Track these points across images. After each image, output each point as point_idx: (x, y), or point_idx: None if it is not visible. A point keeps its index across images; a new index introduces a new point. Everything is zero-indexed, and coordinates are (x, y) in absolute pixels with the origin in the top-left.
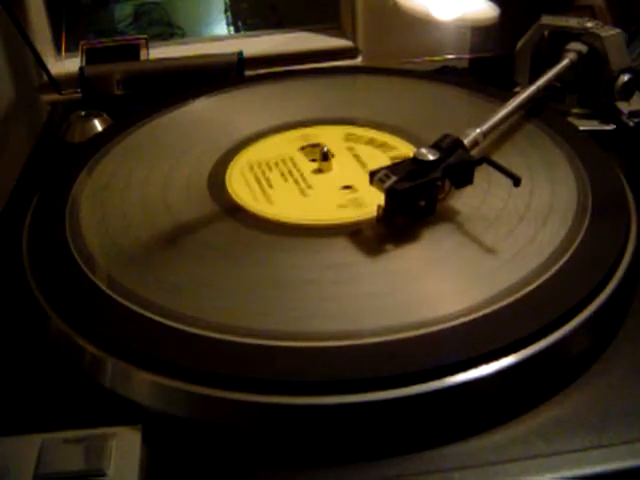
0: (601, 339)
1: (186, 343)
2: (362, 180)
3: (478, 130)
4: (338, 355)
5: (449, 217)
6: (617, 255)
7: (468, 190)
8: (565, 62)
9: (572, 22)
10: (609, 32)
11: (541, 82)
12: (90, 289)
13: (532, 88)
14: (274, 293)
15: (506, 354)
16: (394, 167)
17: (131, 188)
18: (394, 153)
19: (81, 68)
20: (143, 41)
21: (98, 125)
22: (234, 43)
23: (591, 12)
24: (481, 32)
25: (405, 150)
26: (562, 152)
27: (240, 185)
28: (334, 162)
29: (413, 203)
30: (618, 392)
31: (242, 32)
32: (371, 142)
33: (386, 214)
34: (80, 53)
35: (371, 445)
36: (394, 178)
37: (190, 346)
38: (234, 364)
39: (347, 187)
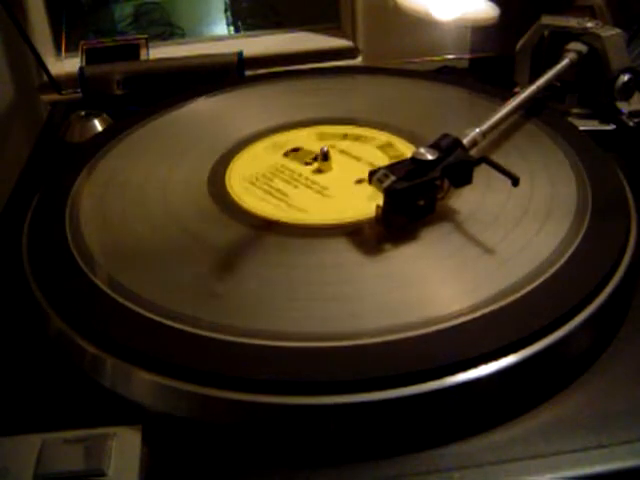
0: (601, 339)
1: (186, 343)
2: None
3: (477, 130)
4: (338, 355)
5: (448, 217)
6: (617, 255)
7: (467, 190)
8: (565, 62)
9: (572, 22)
10: (609, 32)
11: (541, 82)
12: (90, 289)
13: (532, 88)
14: (273, 293)
15: (506, 354)
16: (393, 167)
17: (131, 188)
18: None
19: (81, 68)
20: (143, 41)
21: (98, 125)
22: (234, 43)
23: (591, 12)
24: (481, 32)
25: (404, 150)
26: (562, 152)
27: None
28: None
29: (412, 203)
30: (618, 392)
31: (242, 32)
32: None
33: (385, 214)
34: (80, 53)
35: (371, 445)
36: (393, 178)
37: (190, 346)
38: (234, 364)
39: (361, 181)
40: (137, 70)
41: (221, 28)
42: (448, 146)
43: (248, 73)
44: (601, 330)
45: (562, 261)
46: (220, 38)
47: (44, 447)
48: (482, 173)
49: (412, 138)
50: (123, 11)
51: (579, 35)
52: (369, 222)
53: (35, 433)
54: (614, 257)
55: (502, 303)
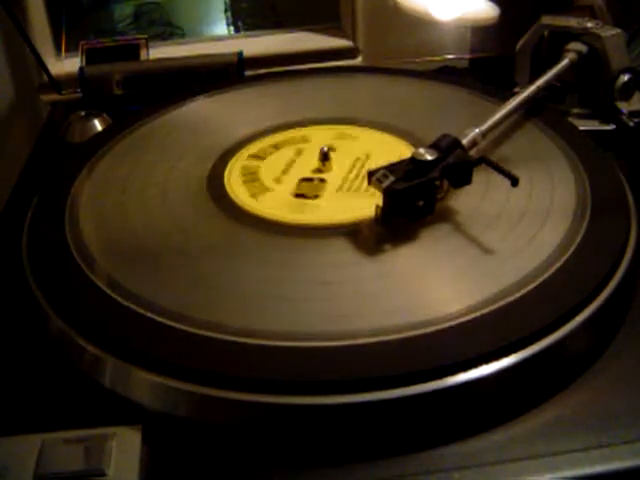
0: (601, 339)
1: (186, 343)
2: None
3: (477, 130)
4: (338, 355)
5: (448, 217)
6: (617, 255)
7: (467, 190)
8: (565, 62)
9: (572, 22)
10: (609, 32)
11: (541, 82)
12: (90, 289)
13: (532, 88)
14: (273, 293)
15: (506, 354)
16: (392, 167)
17: (130, 188)
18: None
19: (81, 68)
20: (143, 41)
21: (98, 125)
22: (234, 43)
23: (591, 12)
24: (481, 32)
25: (404, 150)
26: (562, 152)
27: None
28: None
29: (411, 203)
30: (618, 392)
31: (242, 32)
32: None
33: (385, 214)
34: (80, 53)
35: (371, 445)
36: (392, 178)
37: (190, 346)
38: (234, 364)
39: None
40: (137, 70)
41: (221, 28)
42: (447, 146)
43: (248, 73)
44: (601, 330)
45: (562, 261)
46: (220, 38)
47: (44, 447)
48: (481, 173)
49: (412, 138)
50: (123, 11)
51: (579, 35)
52: (369, 222)
53: (35, 433)
54: (614, 257)
55: (502, 303)
